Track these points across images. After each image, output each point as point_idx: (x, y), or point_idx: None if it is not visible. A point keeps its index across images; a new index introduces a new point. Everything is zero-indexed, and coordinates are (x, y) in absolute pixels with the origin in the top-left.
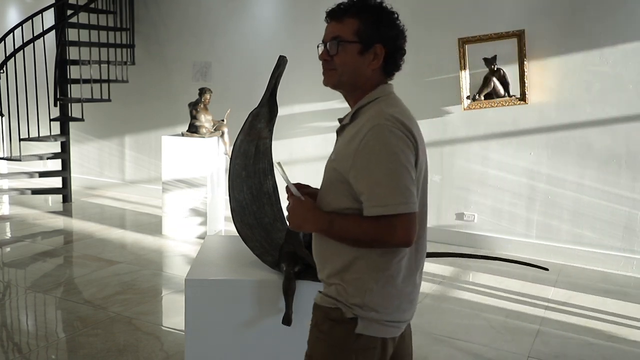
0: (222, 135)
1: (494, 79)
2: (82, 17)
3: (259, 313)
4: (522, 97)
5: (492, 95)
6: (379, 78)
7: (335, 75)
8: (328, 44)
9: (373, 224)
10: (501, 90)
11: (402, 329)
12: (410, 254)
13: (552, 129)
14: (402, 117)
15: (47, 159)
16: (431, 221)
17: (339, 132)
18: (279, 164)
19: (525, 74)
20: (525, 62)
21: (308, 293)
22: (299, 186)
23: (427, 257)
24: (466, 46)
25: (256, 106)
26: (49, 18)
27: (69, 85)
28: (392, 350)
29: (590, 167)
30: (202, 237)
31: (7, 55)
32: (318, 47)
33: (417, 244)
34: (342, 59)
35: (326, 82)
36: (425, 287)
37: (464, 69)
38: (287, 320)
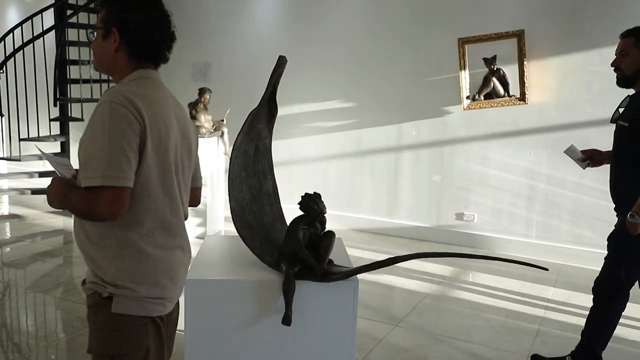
0: (221, 136)
1: (494, 79)
2: (82, 17)
3: (258, 313)
4: (522, 97)
5: (492, 95)
6: (130, 62)
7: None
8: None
9: (84, 196)
10: (501, 90)
11: (167, 306)
12: (162, 231)
13: (552, 129)
14: (135, 96)
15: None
16: (431, 221)
17: None
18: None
19: (525, 74)
20: (525, 62)
21: (308, 293)
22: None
23: (426, 257)
24: (466, 46)
25: (256, 106)
26: (49, 18)
27: (68, 85)
28: (165, 329)
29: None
30: (202, 237)
31: (7, 55)
32: None
33: (170, 222)
34: (94, 45)
35: (94, 68)
36: (425, 287)
37: (464, 69)
38: (287, 320)
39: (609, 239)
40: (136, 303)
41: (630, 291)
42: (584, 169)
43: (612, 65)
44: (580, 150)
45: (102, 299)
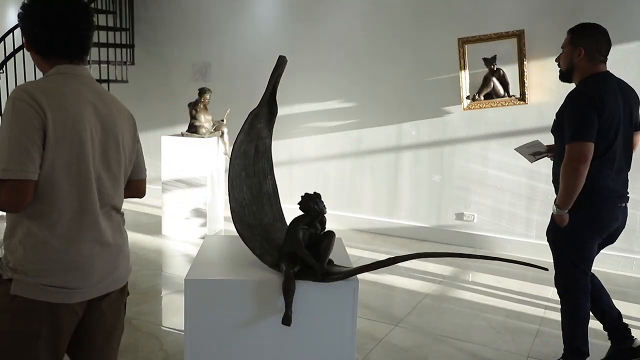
0: (221, 135)
1: (494, 79)
2: None
3: (258, 313)
4: (522, 97)
5: (492, 95)
6: (44, 59)
7: None
8: None
9: None
10: (501, 90)
11: (74, 296)
12: (71, 223)
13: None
14: (38, 90)
15: None
16: (431, 221)
17: None
18: None
19: (525, 74)
20: (525, 62)
21: (308, 293)
22: None
23: (426, 257)
24: (466, 46)
25: (256, 106)
26: None
27: None
28: (75, 318)
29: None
30: (202, 237)
31: (7, 55)
32: None
33: (81, 215)
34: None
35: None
36: (425, 287)
37: (464, 69)
38: (287, 320)
39: (546, 233)
40: (34, 288)
41: (631, 291)
42: (532, 162)
43: (555, 60)
44: (546, 145)
45: (2, 279)
